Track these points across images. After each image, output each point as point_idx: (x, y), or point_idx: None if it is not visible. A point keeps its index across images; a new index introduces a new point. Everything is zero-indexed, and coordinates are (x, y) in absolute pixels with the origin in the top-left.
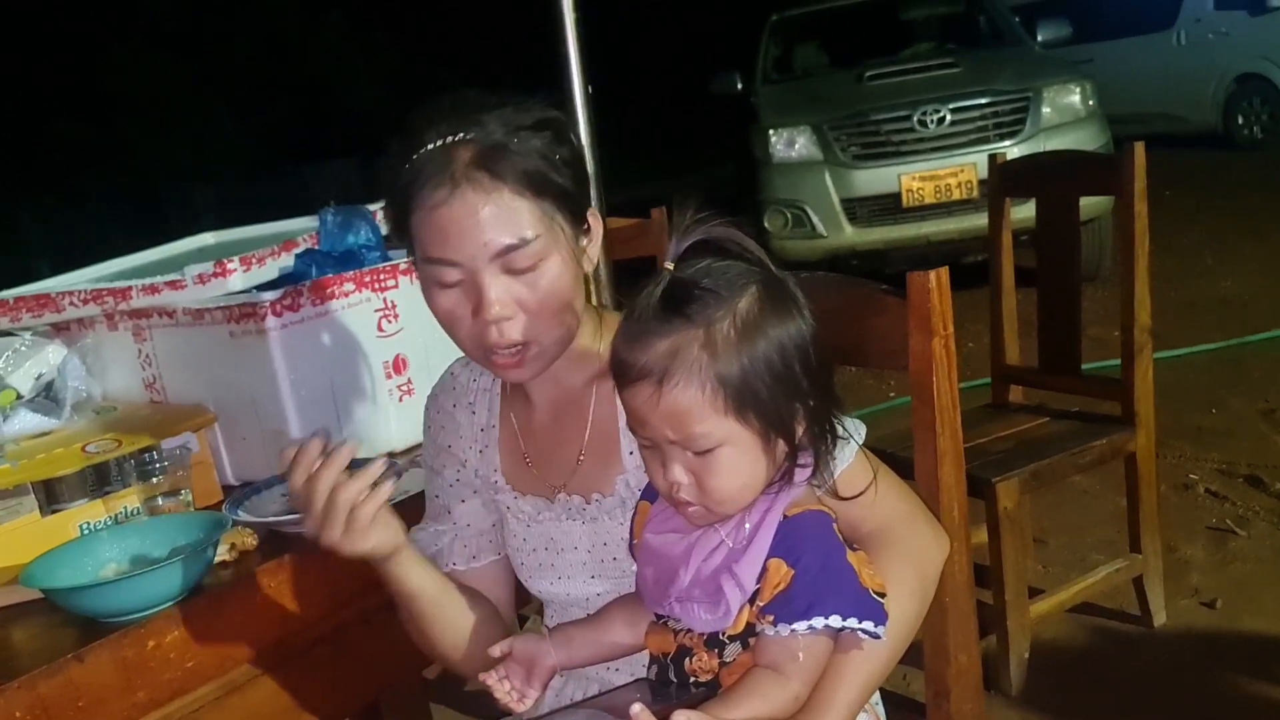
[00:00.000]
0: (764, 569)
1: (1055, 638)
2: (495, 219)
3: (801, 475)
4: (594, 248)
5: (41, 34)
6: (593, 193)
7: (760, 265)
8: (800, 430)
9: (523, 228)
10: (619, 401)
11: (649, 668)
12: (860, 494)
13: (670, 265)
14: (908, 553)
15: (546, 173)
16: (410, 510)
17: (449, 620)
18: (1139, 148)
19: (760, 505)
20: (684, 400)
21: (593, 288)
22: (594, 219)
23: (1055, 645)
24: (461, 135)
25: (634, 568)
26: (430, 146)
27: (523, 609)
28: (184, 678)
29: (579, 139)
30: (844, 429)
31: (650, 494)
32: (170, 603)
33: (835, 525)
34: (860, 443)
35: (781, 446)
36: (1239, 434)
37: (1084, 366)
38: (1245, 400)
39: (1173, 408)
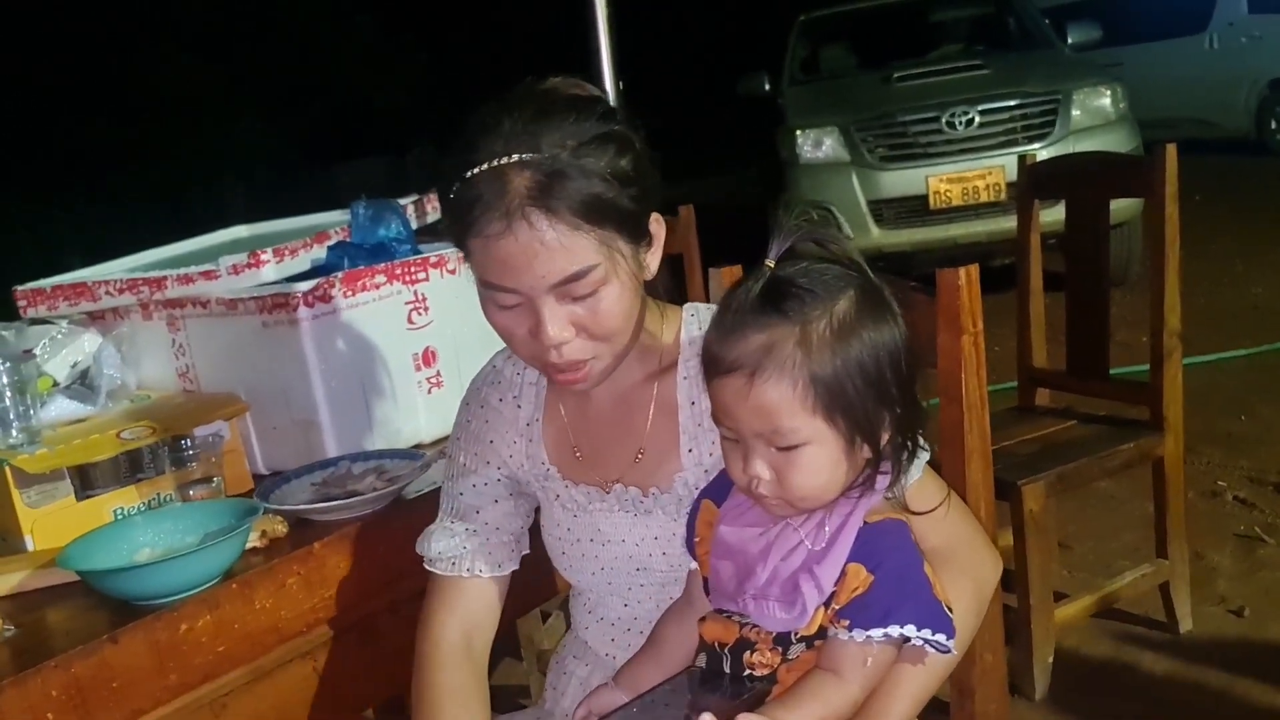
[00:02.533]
0: (843, 572)
1: (1080, 643)
2: (552, 254)
3: (883, 483)
4: (655, 255)
5: (74, 38)
6: None
7: (858, 270)
8: (885, 437)
9: (580, 259)
10: (680, 398)
11: (698, 655)
12: (933, 509)
13: (771, 263)
14: (968, 571)
15: (605, 196)
16: (433, 502)
17: None
18: (1171, 149)
19: (841, 509)
20: (774, 395)
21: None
22: (657, 225)
23: (1080, 650)
24: (518, 156)
25: (681, 564)
26: (485, 166)
27: (545, 604)
28: (215, 662)
29: (642, 141)
30: (924, 442)
31: (713, 493)
32: (203, 587)
33: (912, 535)
34: (929, 458)
35: (865, 451)
36: (1269, 441)
37: (1112, 371)
38: (1276, 408)
39: (1202, 414)
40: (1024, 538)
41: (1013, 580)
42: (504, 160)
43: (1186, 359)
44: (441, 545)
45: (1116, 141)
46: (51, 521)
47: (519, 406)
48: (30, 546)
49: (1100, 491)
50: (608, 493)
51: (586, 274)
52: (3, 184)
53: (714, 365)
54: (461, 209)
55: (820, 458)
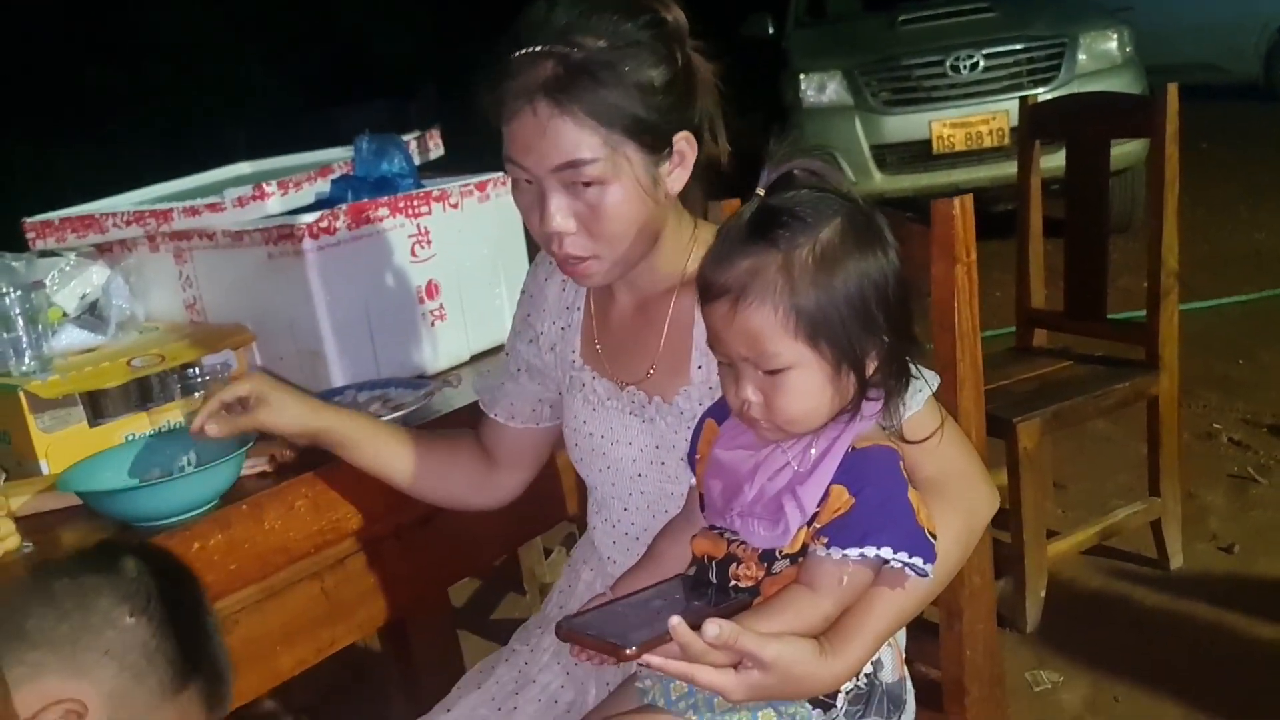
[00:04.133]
0: (826, 494)
1: (1072, 578)
2: (557, 140)
3: (870, 409)
4: (679, 174)
5: None
6: None
7: (849, 200)
8: (872, 366)
9: (582, 151)
10: (697, 316)
11: (689, 567)
12: (925, 439)
13: (761, 191)
14: (959, 505)
15: (620, 102)
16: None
17: (385, 471)
18: (1173, 89)
19: (829, 433)
20: (757, 320)
21: None
22: (686, 144)
23: (1072, 585)
24: (550, 48)
25: (681, 477)
26: (521, 53)
27: (547, 540)
28: (226, 579)
29: (687, 58)
30: (917, 372)
31: (716, 413)
32: (195, 512)
33: (901, 463)
34: (933, 391)
35: (852, 378)
36: (1266, 385)
37: (1111, 316)
38: (1274, 352)
39: (1201, 357)
40: (1018, 474)
41: (1007, 517)
42: (537, 48)
43: (1187, 304)
44: (480, 390)
45: (1122, 85)
46: (65, 446)
47: (563, 289)
48: (45, 470)
49: (1097, 433)
50: (622, 390)
51: (584, 165)
52: (4, 125)
53: (705, 291)
54: (493, 87)
55: (805, 382)
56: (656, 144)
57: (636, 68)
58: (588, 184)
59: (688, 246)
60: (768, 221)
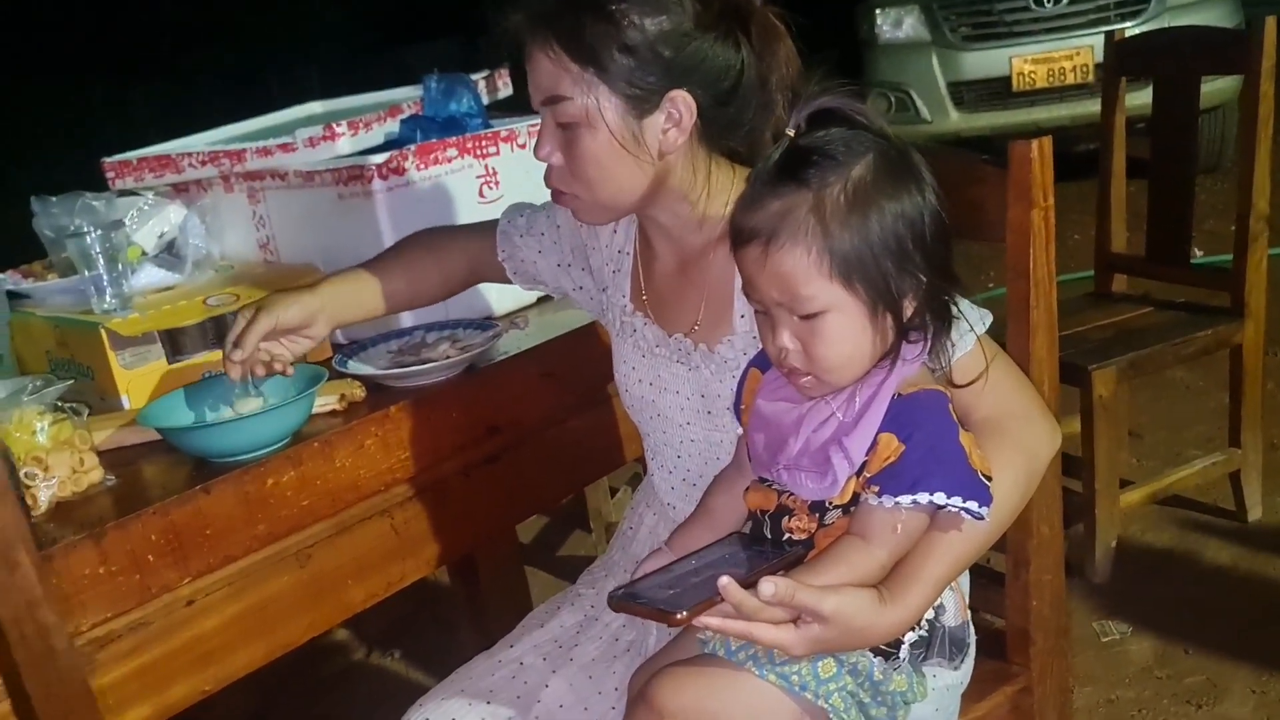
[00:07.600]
0: (874, 442)
1: (1145, 529)
2: (540, 70)
3: (911, 353)
4: (676, 132)
5: None
6: None
7: (882, 136)
8: (910, 307)
9: (558, 88)
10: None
11: (745, 523)
12: (972, 382)
13: (791, 132)
14: (1018, 444)
15: (599, 45)
16: (504, 371)
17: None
18: (1270, 21)
19: (873, 380)
20: (789, 262)
21: None
22: (684, 104)
23: (1144, 536)
24: None
25: (730, 425)
26: None
27: (613, 479)
28: (299, 515)
29: (717, 18)
30: (959, 311)
31: (761, 361)
32: (270, 449)
33: (950, 406)
34: (983, 331)
35: (889, 320)
36: None
37: (1195, 261)
38: None
39: None
40: (1092, 422)
41: (1079, 465)
42: None
43: (1277, 248)
44: (507, 230)
45: (1216, 19)
46: (145, 382)
47: (615, 231)
48: (126, 405)
49: (1177, 382)
50: (669, 338)
51: (559, 103)
52: (82, 65)
53: (736, 236)
54: (499, 12)
55: (842, 326)
56: (641, 96)
57: (629, 11)
58: (563, 125)
59: (728, 196)
60: (797, 162)
